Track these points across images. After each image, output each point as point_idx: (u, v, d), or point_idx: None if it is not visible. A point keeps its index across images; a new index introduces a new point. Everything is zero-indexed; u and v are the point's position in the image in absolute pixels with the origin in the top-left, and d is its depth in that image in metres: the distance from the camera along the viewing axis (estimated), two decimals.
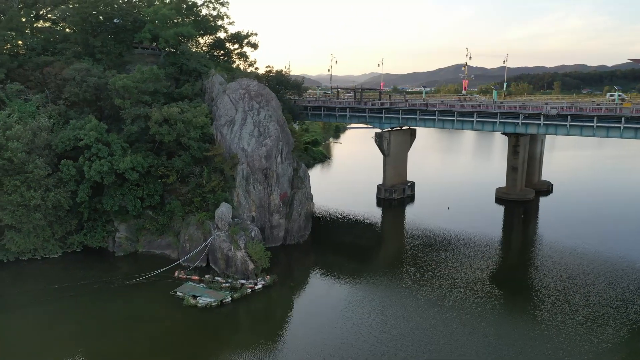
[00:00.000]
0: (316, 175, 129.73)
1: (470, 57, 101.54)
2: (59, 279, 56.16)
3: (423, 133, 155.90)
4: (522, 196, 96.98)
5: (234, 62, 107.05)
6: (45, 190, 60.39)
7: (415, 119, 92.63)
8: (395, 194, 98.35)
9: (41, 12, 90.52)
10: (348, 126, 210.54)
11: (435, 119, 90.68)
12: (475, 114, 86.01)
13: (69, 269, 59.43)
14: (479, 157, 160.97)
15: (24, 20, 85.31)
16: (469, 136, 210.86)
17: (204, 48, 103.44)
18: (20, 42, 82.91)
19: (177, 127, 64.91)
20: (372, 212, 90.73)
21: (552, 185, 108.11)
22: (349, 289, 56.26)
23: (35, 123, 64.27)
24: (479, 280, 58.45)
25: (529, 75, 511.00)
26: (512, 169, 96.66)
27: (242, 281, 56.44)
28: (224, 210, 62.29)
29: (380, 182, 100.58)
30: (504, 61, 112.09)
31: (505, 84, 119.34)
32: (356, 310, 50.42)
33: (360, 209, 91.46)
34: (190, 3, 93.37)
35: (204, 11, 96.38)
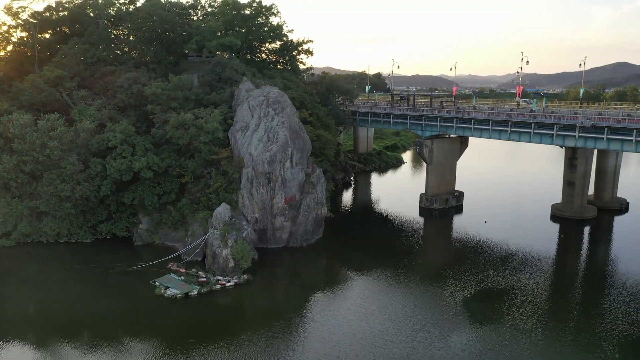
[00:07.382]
0: (382, 180, 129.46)
1: (528, 62, 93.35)
2: (74, 261, 64.75)
3: (490, 143, 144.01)
4: (579, 214, 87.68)
5: (297, 67, 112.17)
6: (77, 183, 70.01)
7: (453, 126, 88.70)
8: (437, 204, 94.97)
9: (118, 29, 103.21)
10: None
11: (471, 128, 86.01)
12: (509, 123, 79.94)
13: (90, 253, 67.81)
14: (548, 169, 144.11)
15: (103, 34, 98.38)
16: (545, 147, 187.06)
17: (264, 55, 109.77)
18: (103, 53, 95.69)
19: (190, 132, 70.88)
20: (409, 221, 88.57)
21: (627, 203, 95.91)
22: (315, 292, 57.37)
23: (80, 125, 74.73)
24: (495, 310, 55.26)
25: None
26: (567, 184, 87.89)
27: (219, 277, 60.34)
28: (220, 210, 66.79)
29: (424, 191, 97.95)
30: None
31: (582, 89, 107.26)
32: (305, 314, 51.60)
33: (399, 216, 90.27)
34: (243, 14, 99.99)
35: (259, 21, 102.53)
